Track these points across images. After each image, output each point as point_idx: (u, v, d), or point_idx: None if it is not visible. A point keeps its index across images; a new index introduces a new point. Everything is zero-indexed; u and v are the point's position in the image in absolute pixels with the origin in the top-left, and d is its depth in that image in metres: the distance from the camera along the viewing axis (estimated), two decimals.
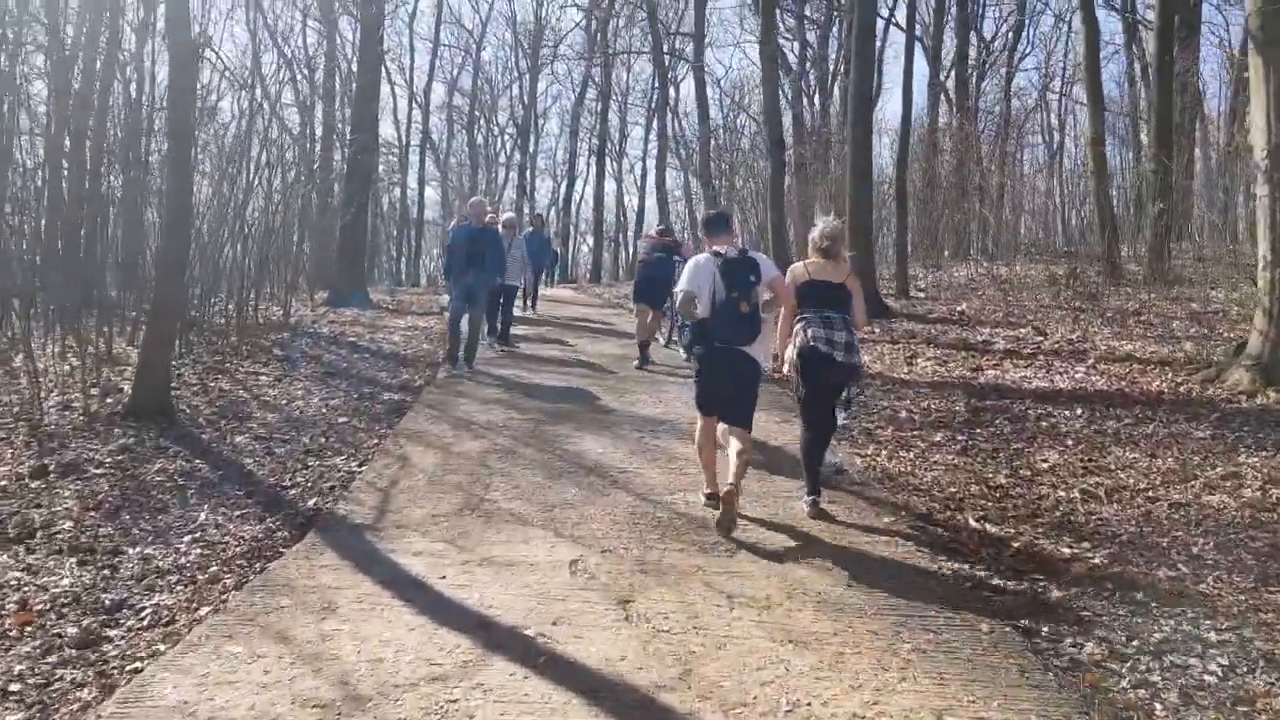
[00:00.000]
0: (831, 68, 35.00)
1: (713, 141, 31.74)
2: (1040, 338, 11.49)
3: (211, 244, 13.83)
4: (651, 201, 39.67)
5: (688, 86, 41.62)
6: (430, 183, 47.95)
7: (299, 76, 32.02)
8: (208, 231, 13.82)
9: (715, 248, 5.85)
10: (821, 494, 5.86)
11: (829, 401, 5.96)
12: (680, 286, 5.89)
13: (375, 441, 7.76)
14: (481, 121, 47.49)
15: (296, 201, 24.50)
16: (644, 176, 45.25)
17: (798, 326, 5.82)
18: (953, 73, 30.81)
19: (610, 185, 48.76)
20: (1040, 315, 13.23)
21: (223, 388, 9.98)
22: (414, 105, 41.69)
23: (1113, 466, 6.65)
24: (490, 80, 47.36)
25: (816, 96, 35.07)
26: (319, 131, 29.53)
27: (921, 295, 17.12)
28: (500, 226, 12.42)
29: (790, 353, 5.92)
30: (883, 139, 30.65)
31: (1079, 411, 8.17)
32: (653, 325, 11.69)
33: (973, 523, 5.56)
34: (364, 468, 6.94)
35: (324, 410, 9.01)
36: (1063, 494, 6.08)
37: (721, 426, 5.93)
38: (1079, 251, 19.90)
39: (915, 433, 7.77)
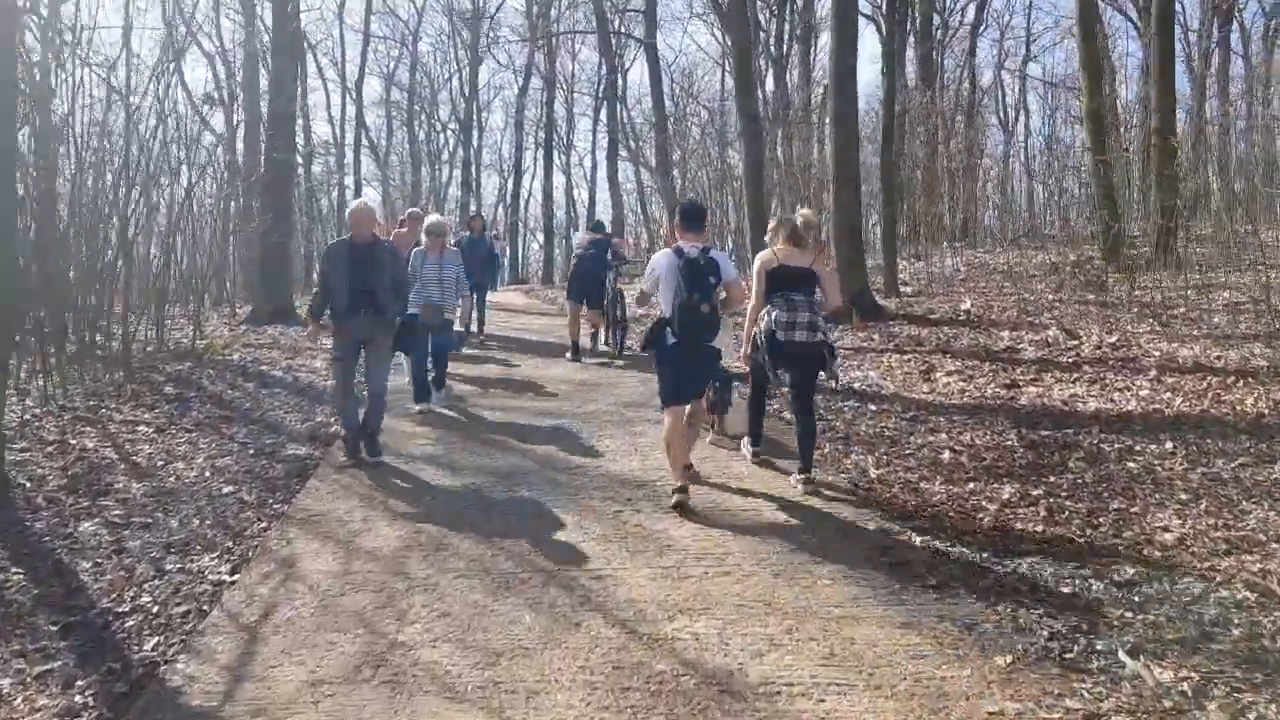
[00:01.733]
0: (786, 49, 33.32)
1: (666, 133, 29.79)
2: (1074, 341, 9.79)
3: (94, 256, 11.71)
4: (604, 195, 37.74)
5: (635, 75, 39.84)
6: (372, 183, 45.68)
7: (220, 69, 29.51)
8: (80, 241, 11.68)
9: (680, 245, 5.93)
10: (762, 445, 6.70)
11: (800, 385, 6.14)
12: (642, 285, 6.25)
13: (263, 526, 5.79)
14: (422, 117, 45.21)
15: (218, 206, 22.36)
16: (594, 169, 43.43)
17: (762, 312, 6.12)
18: (913, 49, 29.11)
19: (559, 179, 46.84)
20: (1059, 312, 11.56)
21: (86, 446, 7.94)
22: (347, 100, 39.25)
23: (1263, 536, 4.91)
24: (429, 73, 45.11)
25: (769, 80, 33.30)
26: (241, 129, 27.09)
27: (909, 291, 15.43)
28: (423, 235, 9.26)
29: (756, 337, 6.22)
30: None
31: (1168, 445, 6.44)
32: (593, 321, 12.06)
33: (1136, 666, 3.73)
34: (236, 576, 4.98)
35: (208, 475, 7.03)
36: (1225, 594, 4.30)
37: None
38: (1069, 235, 18.31)
39: (972, 486, 5.97)
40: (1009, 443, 6.84)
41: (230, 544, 5.53)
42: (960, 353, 9.91)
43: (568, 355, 11.65)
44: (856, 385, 8.98)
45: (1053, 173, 24.77)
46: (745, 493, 5.96)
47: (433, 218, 9.59)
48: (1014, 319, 11.41)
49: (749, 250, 12.09)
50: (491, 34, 38.55)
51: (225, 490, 6.62)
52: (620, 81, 36.51)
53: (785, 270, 6.07)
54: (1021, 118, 39.43)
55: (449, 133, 45.64)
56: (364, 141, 41.26)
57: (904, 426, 7.50)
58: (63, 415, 8.92)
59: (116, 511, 6.29)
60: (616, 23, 33.16)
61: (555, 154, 42.78)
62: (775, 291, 6.04)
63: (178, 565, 5.25)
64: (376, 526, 5.54)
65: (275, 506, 6.19)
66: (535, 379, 10.28)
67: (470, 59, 40.09)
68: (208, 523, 5.95)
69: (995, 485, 5.93)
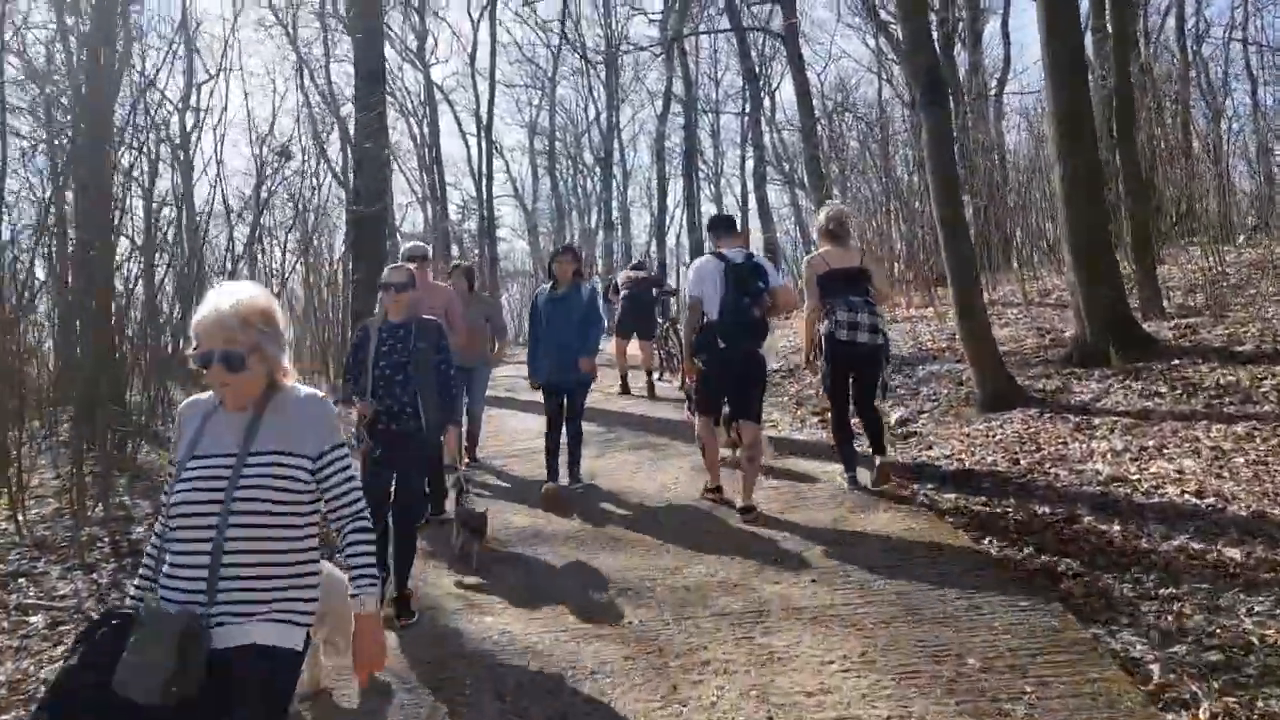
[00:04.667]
0: (952, 29, 28.88)
1: (818, 142, 25.93)
2: None
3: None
4: (755, 222, 34.11)
5: (780, 97, 36.55)
6: (521, 235, 44.42)
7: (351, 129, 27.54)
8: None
9: (721, 250, 5.96)
10: (858, 471, 6.14)
11: (862, 386, 6.13)
12: (688, 291, 6.10)
13: None
14: (565, 161, 43.07)
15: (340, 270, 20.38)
16: (744, 196, 39.89)
17: (823, 314, 6.07)
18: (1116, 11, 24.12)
19: (708, 208, 43.76)
20: None
21: None
22: (481, 146, 37.12)
23: None
24: (571, 116, 42.98)
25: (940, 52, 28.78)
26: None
27: (1172, 309, 11.05)
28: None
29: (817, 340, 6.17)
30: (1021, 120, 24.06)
31: None
32: (645, 358, 11.63)
33: None
34: None
35: None
36: None
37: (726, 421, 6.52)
38: None
39: None
40: None
41: None
42: None
43: (617, 390, 11.57)
44: (1156, 493, 5.03)
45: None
46: None
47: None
48: None
49: (943, 255, 8.02)
50: (623, 53, 35.63)
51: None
52: (768, 101, 33.09)
53: (836, 273, 6.07)
54: (1242, 88, 33.04)
55: (595, 176, 43.39)
56: (503, 191, 39.41)
57: None
58: None
59: None
60: (761, 40, 29.84)
61: (704, 183, 39.75)
62: (830, 296, 6.02)
63: None
64: None
65: None
66: (613, 497, 6.73)
67: (607, 93, 37.60)
68: None
69: None
